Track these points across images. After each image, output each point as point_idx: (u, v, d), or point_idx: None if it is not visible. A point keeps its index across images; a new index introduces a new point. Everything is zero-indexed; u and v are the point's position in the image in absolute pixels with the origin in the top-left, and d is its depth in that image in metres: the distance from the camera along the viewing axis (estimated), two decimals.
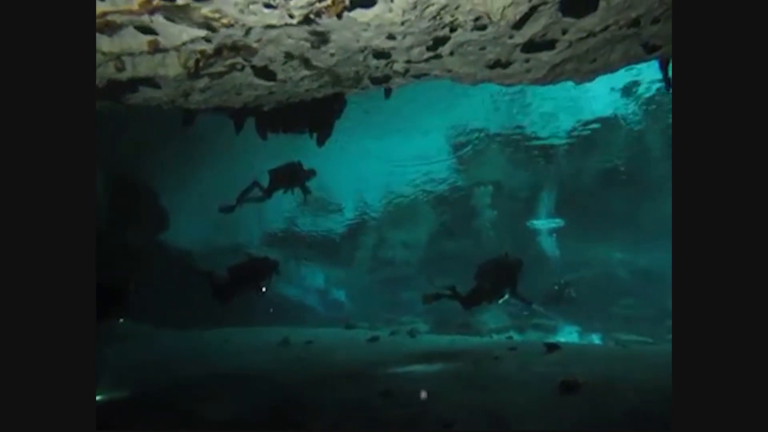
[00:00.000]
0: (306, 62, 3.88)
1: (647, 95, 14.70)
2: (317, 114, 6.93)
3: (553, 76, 4.58)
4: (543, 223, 17.53)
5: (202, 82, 4.09)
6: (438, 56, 3.98)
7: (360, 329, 13.79)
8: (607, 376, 5.86)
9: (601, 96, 14.77)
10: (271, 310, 12.26)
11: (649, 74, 13.84)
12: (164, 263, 14.41)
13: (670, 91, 10.17)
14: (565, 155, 16.76)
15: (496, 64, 4.32)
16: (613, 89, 14.64)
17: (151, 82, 3.90)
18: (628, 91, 14.81)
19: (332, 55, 3.74)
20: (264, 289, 8.60)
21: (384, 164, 18.42)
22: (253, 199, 9.12)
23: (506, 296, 8.47)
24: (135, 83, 3.85)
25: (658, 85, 14.05)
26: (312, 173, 8.94)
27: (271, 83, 4.25)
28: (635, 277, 16.58)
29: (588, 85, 14.36)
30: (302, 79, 4.21)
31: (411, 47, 3.71)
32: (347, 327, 14.07)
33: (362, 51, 3.78)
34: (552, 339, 11.53)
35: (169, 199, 14.59)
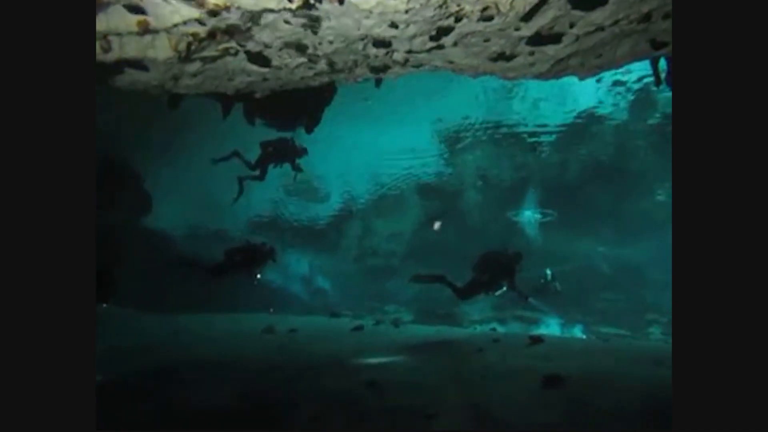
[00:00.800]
0: (302, 49, 3.77)
1: (634, 89, 14.77)
2: (306, 101, 6.85)
3: (557, 70, 4.51)
4: (528, 215, 17.63)
5: (194, 67, 3.96)
6: (440, 47, 3.89)
7: (344, 318, 13.77)
8: (589, 370, 5.91)
9: (587, 88, 14.79)
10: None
11: (636, 69, 13.90)
12: (147, 247, 14.24)
13: (660, 87, 10.21)
14: (550, 147, 16.83)
15: (500, 57, 4.24)
16: (599, 81, 14.67)
17: (138, 64, 3.75)
18: (614, 84, 14.87)
19: (330, 42, 3.64)
20: (258, 276, 8.61)
21: (371, 154, 18.33)
22: (247, 176, 9.06)
23: (503, 289, 8.48)
24: (121, 65, 3.70)
25: (646, 80, 14.13)
26: (304, 151, 8.85)
27: (266, 70, 4.14)
28: (616, 271, 16.77)
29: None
30: (298, 66, 4.10)
31: (413, 36, 3.61)
32: (331, 315, 14.05)
33: (362, 39, 3.69)
34: (534, 331, 11.63)
35: (152, 182, 14.38)
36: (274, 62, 4.00)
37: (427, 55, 4.09)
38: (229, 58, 3.89)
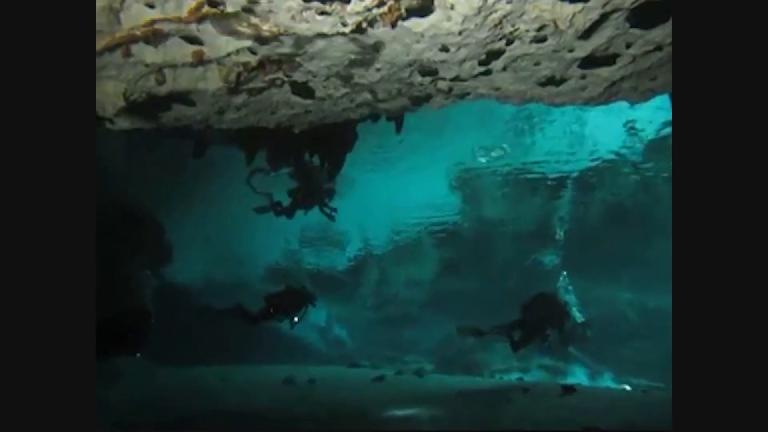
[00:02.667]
0: (348, 79, 3.78)
1: (653, 132, 14.77)
2: (329, 146, 6.92)
3: (608, 95, 4.44)
4: (556, 253, 17.32)
5: (240, 99, 4.00)
6: (488, 72, 3.86)
7: (363, 368, 13.46)
8: (628, 423, 5.63)
9: (607, 131, 14.85)
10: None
11: (655, 111, 13.95)
12: (165, 298, 14.20)
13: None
14: (571, 192, 16.74)
15: (549, 82, 4.11)
16: (620, 123, 14.72)
17: (185, 99, 3.82)
18: (633, 128, 14.90)
19: (378, 70, 3.65)
20: (297, 320, 8.53)
21: (388, 201, 18.40)
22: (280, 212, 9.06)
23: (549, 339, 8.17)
24: (171, 98, 3.77)
25: (666, 123, 14.12)
26: (332, 191, 8.85)
27: (309, 101, 4.16)
28: (644, 318, 16.29)
29: (594, 120, 14.48)
30: (341, 96, 4.11)
31: (463, 61, 3.59)
32: (350, 366, 13.74)
33: (410, 66, 3.68)
34: (561, 381, 11.22)
35: (172, 232, 14.49)
36: (318, 93, 4.01)
37: (472, 82, 4.05)
38: (274, 90, 3.93)
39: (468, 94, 4.37)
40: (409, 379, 10.12)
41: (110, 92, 3.48)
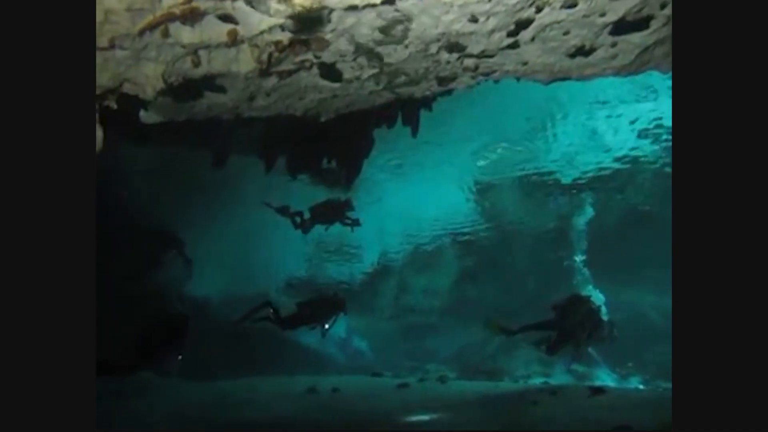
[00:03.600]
0: (376, 57, 3.78)
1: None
2: (346, 153, 6.95)
3: (640, 64, 4.34)
4: (577, 257, 17.11)
5: (270, 83, 4.04)
6: (515, 45, 3.82)
7: (386, 377, 13.36)
8: (661, 422, 5.49)
9: (622, 132, 14.68)
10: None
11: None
12: (186, 313, 14.27)
13: None
14: (590, 194, 16.58)
15: (579, 52, 4.02)
16: (633, 123, 14.53)
17: (217, 86, 3.88)
18: (649, 128, 14.72)
19: (406, 47, 3.65)
20: (328, 327, 8.59)
21: (405, 209, 18.38)
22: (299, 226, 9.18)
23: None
24: (203, 85, 3.82)
25: None
26: (349, 205, 8.94)
27: (336, 85, 4.19)
28: (669, 321, 15.97)
29: (613, 119, 14.28)
30: (368, 78, 4.12)
31: (492, 32, 3.56)
32: (373, 375, 13.66)
33: (438, 41, 3.67)
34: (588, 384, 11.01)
35: (193, 247, 14.59)
36: (346, 75, 4.03)
37: (499, 58, 4.01)
38: (303, 74, 3.96)
39: (494, 71, 4.30)
40: (433, 386, 10.03)
41: (150, 74, 3.51)
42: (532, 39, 3.84)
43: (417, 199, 17.55)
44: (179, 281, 14.48)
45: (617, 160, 15.57)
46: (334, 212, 8.84)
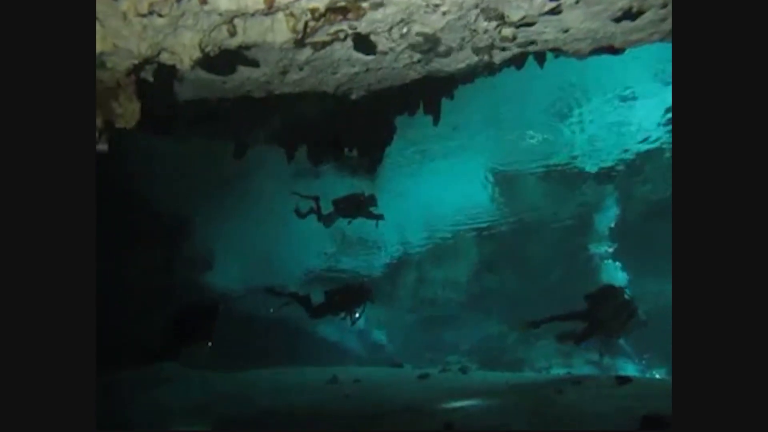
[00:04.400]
0: (412, 25, 3.70)
1: None
2: (368, 141, 6.91)
3: None
4: (601, 248, 16.90)
5: (304, 55, 4.02)
6: (558, 11, 3.71)
7: (406, 368, 13.37)
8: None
9: (651, 119, 14.36)
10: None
11: None
12: (217, 299, 14.40)
13: None
14: (613, 184, 16.32)
15: (625, 15, 3.85)
16: (659, 115, 14.23)
17: (251, 60, 3.86)
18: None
19: (444, 14, 3.57)
20: (358, 316, 8.63)
21: (424, 200, 18.28)
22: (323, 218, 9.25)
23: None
24: (237, 57, 3.81)
25: None
26: (373, 201, 8.94)
27: (370, 58, 4.14)
28: None
29: (637, 108, 13.96)
30: (403, 50, 4.07)
31: None
32: (393, 366, 13.68)
33: (476, 7, 3.59)
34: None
35: (212, 238, 14.71)
36: (380, 47, 3.98)
37: (539, 26, 3.90)
38: (336, 46, 3.93)
39: (533, 42, 4.18)
40: (455, 376, 9.99)
41: (187, 43, 3.50)
42: (577, 1, 3.65)
43: (436, 190, 17.43)
44: (199, 272, 14.63)
45: (641, 149, 15.28)
46: (358, 207, 8.84)
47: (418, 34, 3.89)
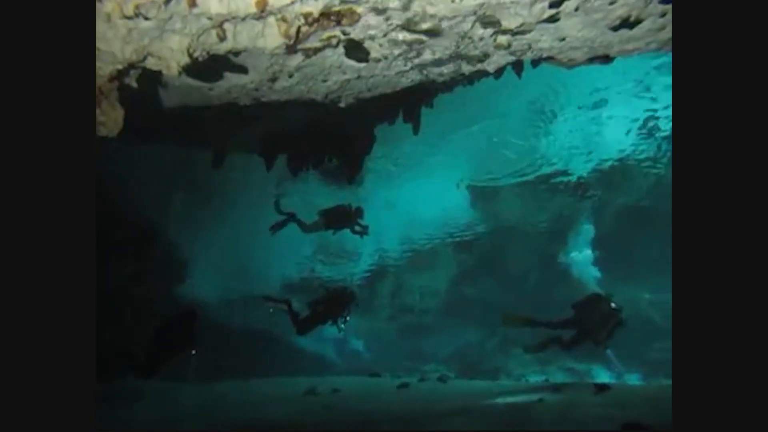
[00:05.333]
0: (408, 29, 3.60)
1: (667, 131, 14.58)
2: (347, 150, 6.87)
3: None
4: (580, 255, 17.09)
5: (295, 61, 3.91)
6: (555, 18, 3.71)
7: (384, 378, 13.27)
8: (667, 418, 5.43)
9: (623, 129, 14.64)
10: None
11: (667, 110, 13.82)
12: (194, 308, 14.09)
13: None
14: (588, 193, 16.56)
15: (623, 24, 3.84)
16: (633, 123, 14.50)
17: (239, 66, 3.75)
18: (648, 127, 14.70)
19: (441, 20, 3.51)
20: (344, 324, 8.50)
21: (402, 210, 18.29)
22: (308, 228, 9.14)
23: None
24: (225, 64, 3.69)
25: None
26: (360, 213, 8.90)
27: (362, 65, 4.06)
28: (667, 318, 16.00)
29: (609, 118, 14.26)
30: (397, 57, 4.00)
31: (534, 2, 3.45)
32: (371, 375, 13.57)
33: (474, 14, 3.55)
34: (589, 381, 10.97)
35: (187, 249, 14.43)
36: (374, 54, 3.90)
37: (535, 34, 3.87)
38: (328, 53, 3.84)
39: (528, 48, 4.16)
40: (434, 386, 9.94)
41: (174, 47, 3.36)
42: (576, 9, 3.62)
43: (414, 199, 17.47)
44: (174, 283, 14.32)
45: (615, 158, 15.56)
46: (346, 218, 8.80)
47: (413, 42, 3.86)
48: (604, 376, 14.03)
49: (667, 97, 13.48)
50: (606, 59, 4.44)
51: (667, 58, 9.01)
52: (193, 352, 6.38)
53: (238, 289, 17.67)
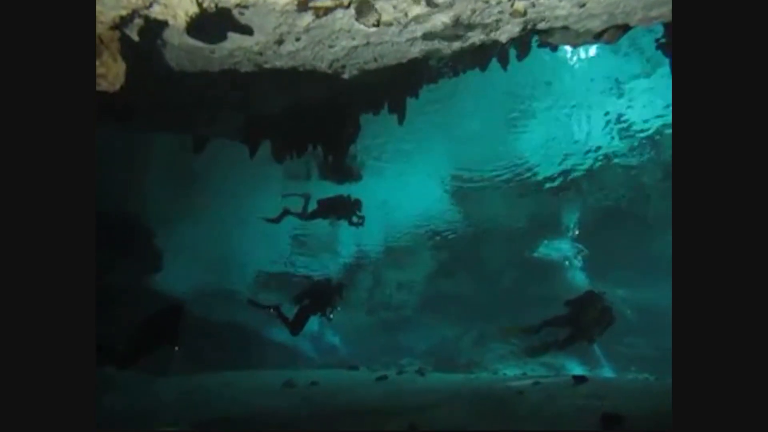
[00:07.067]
0: None
1: (644, 129, 14.82)
2: (332, 137, 6.80)
3: None
4: (556, 252, 17.29)
5: (304, 21, 3.75)
6: None
7: (362, 371, 13.25)
8: (647, 409, 5.52)
9: (598, 129, 14.85)
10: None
11: (642, 110, 14.05)
12: (154, 307, 13.85)
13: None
14: (563, 191, 16.76)
15: None
16: (608, 122, 14.71)
17: (244, 28, 3.58)
18: (623, 125, 14.92)
19: None
20: (331, 317, 8.44)
21: (380, 204, 18.26)
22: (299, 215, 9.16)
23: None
24: (231, 22, 3.51)
25: (655, 121, 14.19)
26: (359, 204, 8.93)
27: (372, 30, 3.94)
28: (639, 315, 16.32)
29: (584, 117, 14.45)
30: (411, 20, 3.82)
31: None
32: (350, 368, 13.55)
33: None
34: (564, 374, 11.10)
35: (162, 238, 14.14)
36: (386, 17, 3.77)
37: (553, 1, 3.76)
38: (339, 13, 3.68)
39: (543, 20, 4.05)
40: (412, 378, 9.95)
41: None
42: None
43: (392, 193, 17.45)
44: (147, 274, 14.04)
45: (593, 156, 15.77)
46: (344, 209, 8.81)
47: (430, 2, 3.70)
48: (578, 370, 14.24)
49: (643, 97, 13.73)
50: (626, 29, 4.35)
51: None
52: (176, 348, 6.27)
53: (215, 281, 17.45)
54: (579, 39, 4.43)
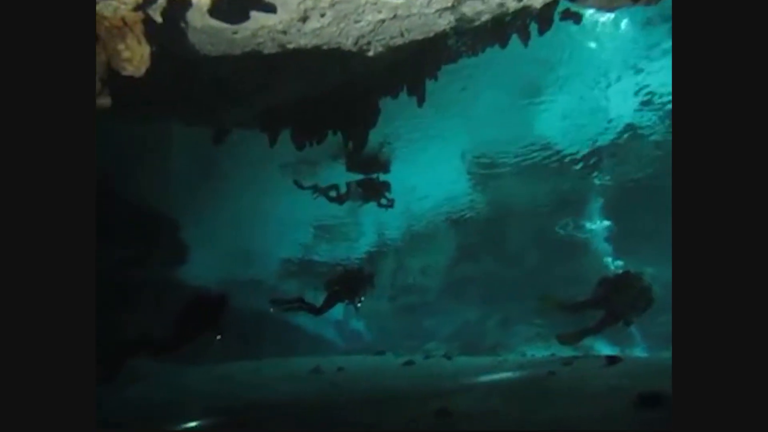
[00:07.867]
0: None
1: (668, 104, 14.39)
2: (351, 123, 6.72)
3: None
4: (570, 238, 17.06)
5: None
6: None
7: (388, 356, 13.28)
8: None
9: (624, 103, 14.45)
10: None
11: (668, 82, 13.63)
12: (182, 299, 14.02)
13: None
14: (588, 168, 16.43)
15: None
16: (635, 95, 14.30)
17: (267, 4, 3.51)
18: (648, 101, 14.53)
19: None
20: (359, 305, 8.48)
21: (401, 189, 18.14)
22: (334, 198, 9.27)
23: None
24: (250, 4, 3.45)
25: None
26: (388, 187, 8.98)
27: (400, 1, 3.85)
28: (668, 292, 16.00)
29: (609, 92, 14.12)
30: None
31: None
32: (377, 354, 13.59)
33: None
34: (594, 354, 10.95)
35: (190, 229, 14.25)
36: None
37: None
38: None
39: None
40: (440, 362, 9.92)
41: None
42: None
43: (413, 177, 17.30)
44: (175, 266, 14.20)
45: (617, 131, 15.39)
46: (374, 191, 8.81)
47: None
48: (606, 350, 14.05)
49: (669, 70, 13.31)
50: None
51: None
52: (218, 337, 6.35)
53: (239, 271, 17.60)
54: (614, 2, 4.27)
